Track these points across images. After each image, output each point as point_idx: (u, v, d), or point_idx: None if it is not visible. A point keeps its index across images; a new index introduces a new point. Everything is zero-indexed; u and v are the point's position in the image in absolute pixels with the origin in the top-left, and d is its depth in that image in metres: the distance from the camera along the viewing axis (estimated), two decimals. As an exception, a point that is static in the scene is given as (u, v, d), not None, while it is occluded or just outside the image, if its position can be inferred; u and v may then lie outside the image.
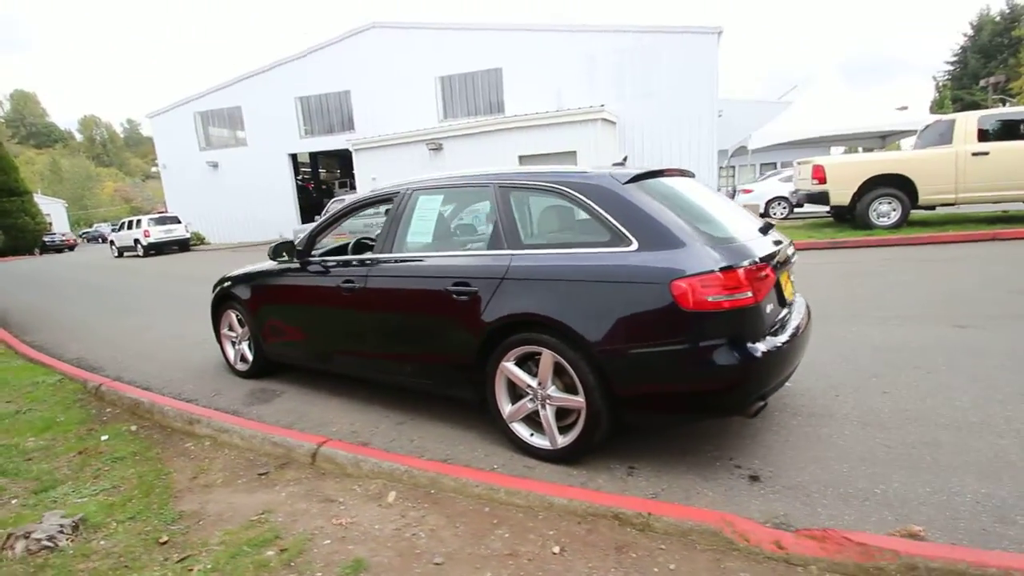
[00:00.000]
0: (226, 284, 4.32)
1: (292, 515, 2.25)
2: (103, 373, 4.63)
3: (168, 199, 27.09)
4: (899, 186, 8.74)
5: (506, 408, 2.69)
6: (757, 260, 2.26)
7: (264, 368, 4.18)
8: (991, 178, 8.19)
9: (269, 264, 3.99)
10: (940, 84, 54.44)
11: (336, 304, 3.37)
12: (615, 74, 17.85)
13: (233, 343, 4.37)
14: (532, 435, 2.64)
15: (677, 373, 2.21)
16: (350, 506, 2.29)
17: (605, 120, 15.76)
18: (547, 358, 2.47)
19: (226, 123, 25.67)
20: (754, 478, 2.28)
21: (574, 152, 15.35)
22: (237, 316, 4.26)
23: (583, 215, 2.58)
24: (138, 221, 21.85)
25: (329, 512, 2.25)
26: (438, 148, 17.44)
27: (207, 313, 4.62)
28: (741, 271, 2.16)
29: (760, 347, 2.19)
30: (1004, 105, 28.70)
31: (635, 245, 2.30)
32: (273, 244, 3.80)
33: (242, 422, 3.26)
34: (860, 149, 19.62)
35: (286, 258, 3.73)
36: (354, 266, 3.32)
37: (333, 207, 12.39)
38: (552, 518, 2.08)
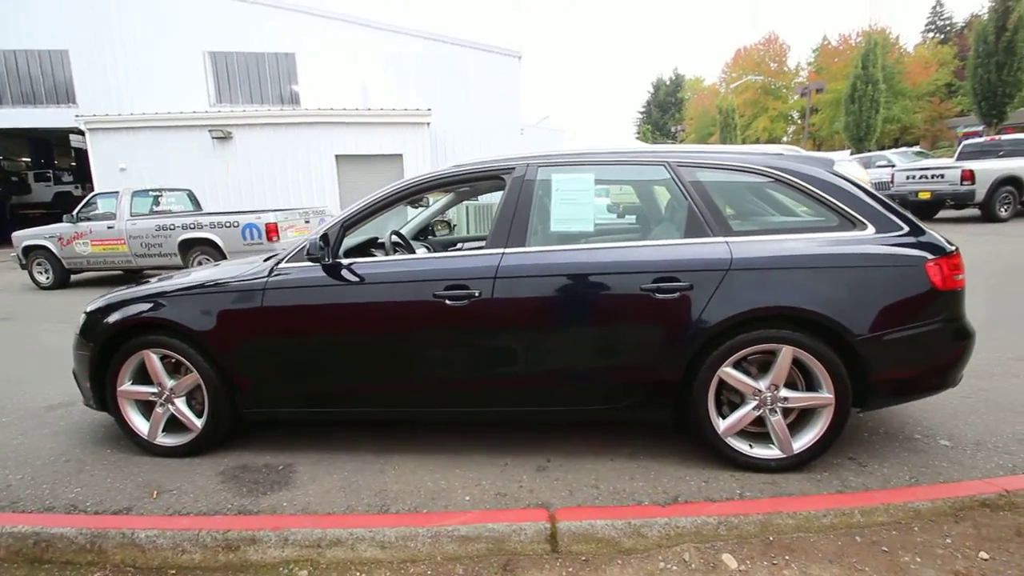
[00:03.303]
0: (137, 309, 2.64)
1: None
2: None
3: None
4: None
5: (720, 422, 2.30)
6: None
7: (221, 433, 2.70)
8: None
9: (250, 269, 2.60)
10: (640, 128, 70.02)
11: (427, 324, 2.39)
12: (427, 80, 17.54)
13: (152, 404, 2.70)
14: (752, 447, 2.32)
15: (928, 352, 2.23)
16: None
17: (429, 124, 15.34)
18: (786, 355, 2.20)
19: None
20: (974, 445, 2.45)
21: (400, 155, 14.50)
22: (167, 360, 2.65)
23: (794, 199, 2.40)
24: None
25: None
26: (225, 137, 14.30)
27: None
28: (959, 251, 2.31)
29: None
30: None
31: (871, 229, 2.24)
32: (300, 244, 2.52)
33: (359, 520, 2.02)
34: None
35: (308, 260, 2.48)
36: (459, 267, 2.41)
37: (106, 201, 8.93)
38: (929, 526, 1.85)
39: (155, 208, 9.41)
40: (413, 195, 2.66)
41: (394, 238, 3.18)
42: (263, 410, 2.62)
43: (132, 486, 2.44)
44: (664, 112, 66.22)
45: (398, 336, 2.45)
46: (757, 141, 40.38)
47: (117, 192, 9.02)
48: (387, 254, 3.00)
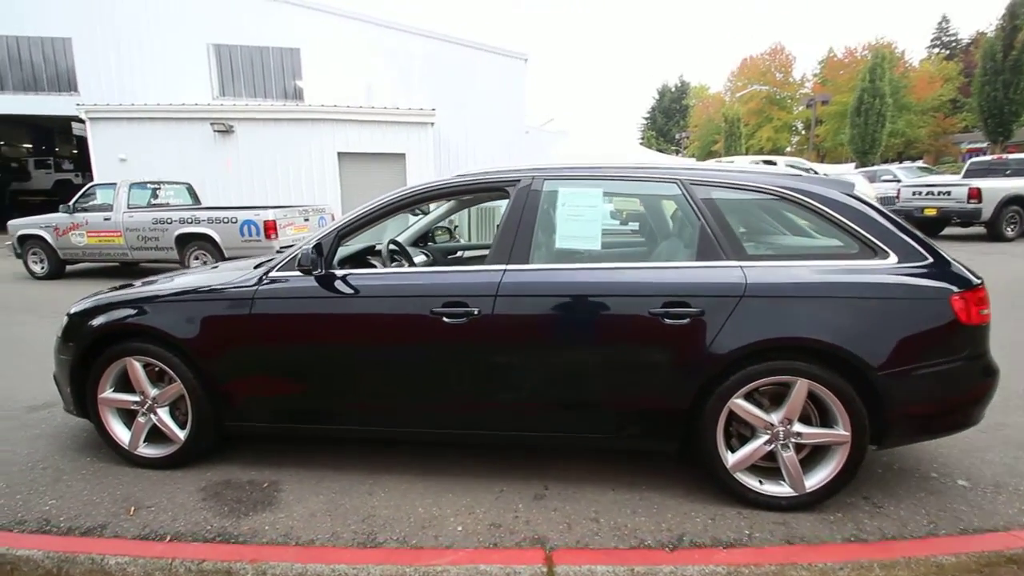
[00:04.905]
0: (120, 314, 2.52)
1: None
2: None
3: None
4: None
5: (728, 456, 2.18)
6: None
7: (204, 446, 2.58)
8: None
9: (240, 277, 2.48)
10: (644, 133, 69.98)
11: (423, 342, 2.27)
12: (432, 80, 17.42)
13: (132, 413, 2.58)
14: (762, 483, 2.20)
15: (950, 389, 2.12)
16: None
17: (433, 124, 15.23)
18: (801, 389, 2.09)
19: None
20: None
21: (403, 155, 14.37)
22: (151, 368, 2.53)
23: (812, 223, 2.29)
24: None
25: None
26: (227, 131, 14.16)
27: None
28: (984, 284, 2.19)
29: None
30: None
31: (894, 258, 2.13)
32: (291, 251, 2.40)
33: (343, 554, 1.91)
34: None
35: (300, 271, 2.36)
36: (458, 282, 2.30)
37: (105, 192, 8.79)
38: (953, 586, 1.73)
39: (153, 201, 9.29)
40: (413, 204, 2.55)
41: (391, 247, 3.07)
42: (248, 424, 2.50)
43: (109, 500, 2.32)
44: (669, 118, 66.19)
45: (392, 353, 2.33)
46: (761, 151, 40.32)
47: (115, 183, 8.89)
48: (384, 264, 2.89)
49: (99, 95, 15.82)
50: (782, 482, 2.19)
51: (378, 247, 3.05)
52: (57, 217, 8.75)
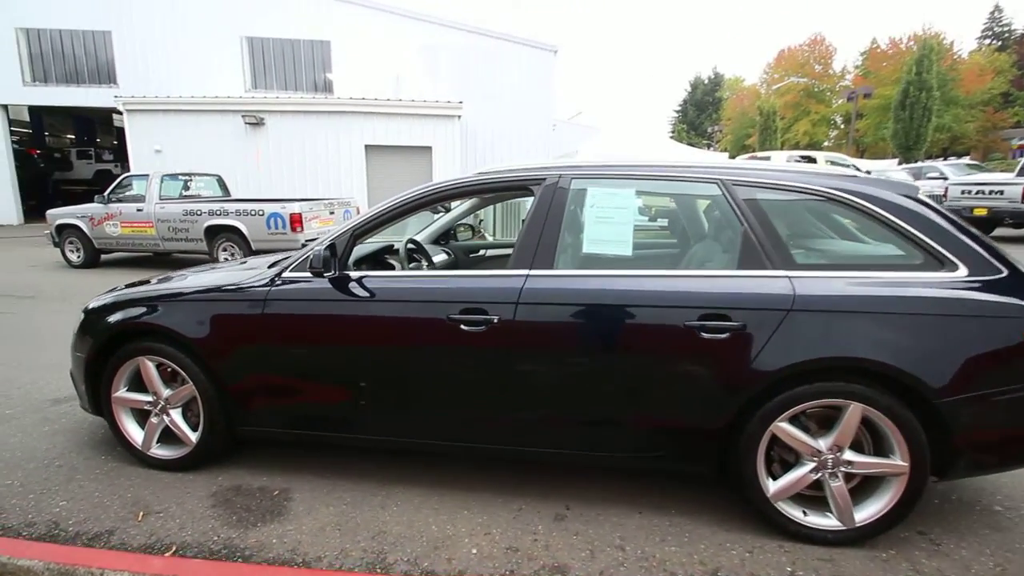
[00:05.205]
0: (133, 312, 2.47)
1: None
2: None
3: None
4: None
5: (769, 483, 2.00)
6: None
7: (216, 449, 2.52)
8: None
9: (253, 276, 2.40)
10: (675, 127, 68.49)
11: (439, 349, 2.15)
12: (460, 72, 17.28)
13: (146, 413, 2.54)
14: (806, 514, 2.01)
15: (1024, 419, 1.88)
16: None
17: (460, 117, 15.12)
18: (854, 414, 1.88)
19: None
20: (1037, 525, 2.10)
21: (429, 147, 14.32)
22: (164, 368, 2.47)
23: (870, 230, 2.07)
24: None
25: None
26: (258, 123, 14.35)
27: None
28: (1068, 302, 1.94)
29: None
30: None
31: (963, 270, 1.90)
32: (309, 251, 2.31)
33: None
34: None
35: (311, 273, 2.26)
36: (477, 287, 2.16)
37: (139, 183, 8.99)
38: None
39: (184, 192, 9.43)
40: (433, 203, 2.42)
41: (410, 246, 2.95)
42: (259, 428, 2.42)
43: (119, 504, 2.27)
44: (701, 112, 64.60)
45: (406, 361, 2.21)
46: (797, 145, 38.99)
47: (147, 175, 9.06)
48: (401, 264, 2.77)
49: (136, 87, 16.19)
50: (829, 514, 1.99)
51: (396, 246, 2.94)
52: (93, 207, 8.96)
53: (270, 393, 2.35)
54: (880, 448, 1.96)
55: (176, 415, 2.50)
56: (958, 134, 35.38)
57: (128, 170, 13.68)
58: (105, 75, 17.45)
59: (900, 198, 2.01)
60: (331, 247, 2.25)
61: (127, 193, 9.01)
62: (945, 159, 22.32)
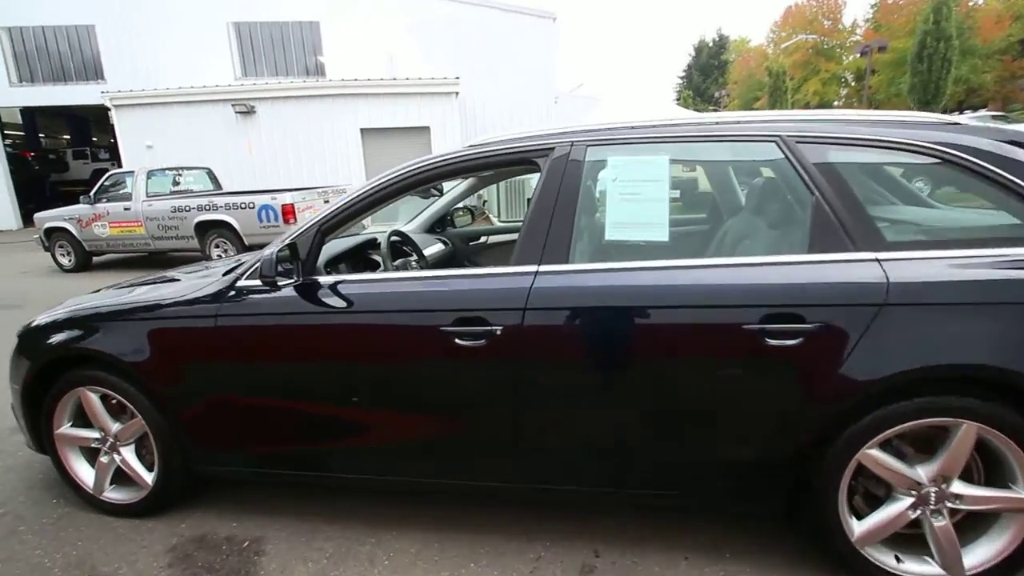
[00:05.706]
0: (70, 336, 2.06)
1: None
2: None
3: None
4: None
5: (854, 524, 1.57)
6: None
7: (174, 492, 2.13)
8: None
9: (204, 288, 1.98)
10: (680, 94, 66.67)
11: (430, 369, 1.73)
12: (455, 47, 16.55)
13: (95, 452, 2.16)
14: (900, 561, 1.59)
15: None
16: None
17: (458, 94, 14.48)
18: (967, 435, 1.45)
19: None
20: None
21: (428, 128, 13.74)
22: (108, 399, 2.08)
23: (983, 194, 1.59)
24: None
25: None
26: (248, 112, 13.83)
27: None
28: None
29: None
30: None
31: (1113, 243, 1.43)
32: (266, 254, 1.87)
33: None
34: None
35: (265, 281, 1.83)
36: (474, 289, 1.72)
37: (125, 180, 8.59)
38: None
39: (173, 188, 9.03)
40: (415, 186, 1.95)
41: (395, 239, 2.51)
42: (219, 468, 2.03)
43: (61, 565, 1.91)
44: (706, 76, 62.61)
45: (389, 384, 1.79)
46: (807, 106, 37.60)
47: (132, 171, 8.65)
48: (385, 262, 2.34)
49: (124, 82, 15.68)
50: (929, 559, 1.57)
51: (380, 239, 2.50)
52: (80, 209, 8.60)
53: (228, 428, 1.95)
54: (993, 476, 1.52)
55: (128, 453, 2.12)
56: (975, 85, 33.78)
57: (122, 167, 13.31)
58: (92, 71, 16.97)
59: (1020, 152, 1.53)
60: (291, 247, 1.82)
61: (115, 192, 8.63)
62: (961, 113, 21.23)
